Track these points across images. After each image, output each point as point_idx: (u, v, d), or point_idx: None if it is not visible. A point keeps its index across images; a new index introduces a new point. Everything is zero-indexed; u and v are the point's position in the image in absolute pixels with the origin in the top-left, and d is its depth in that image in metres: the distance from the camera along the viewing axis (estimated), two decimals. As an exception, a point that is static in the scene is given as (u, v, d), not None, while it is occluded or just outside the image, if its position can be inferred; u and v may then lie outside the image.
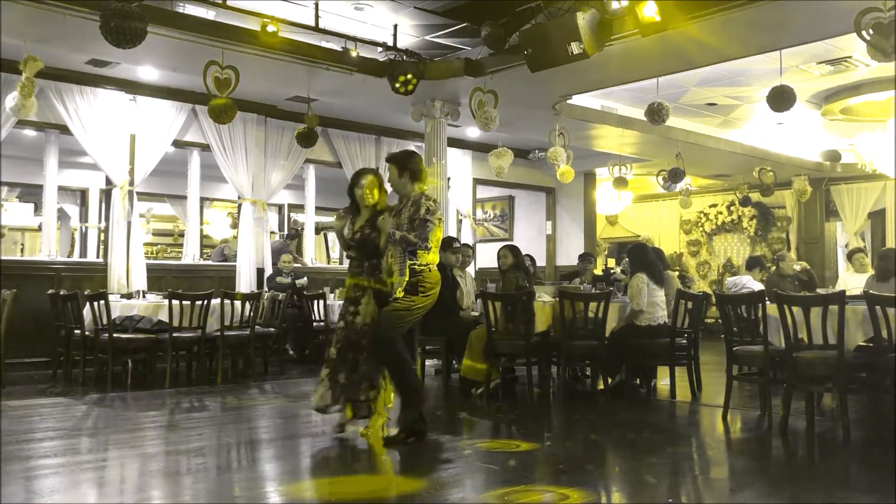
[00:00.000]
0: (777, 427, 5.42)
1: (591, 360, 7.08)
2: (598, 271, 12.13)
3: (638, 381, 7.41)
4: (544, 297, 7.11)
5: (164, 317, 7.44)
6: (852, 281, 8.11)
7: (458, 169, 12.19)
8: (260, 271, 10.25)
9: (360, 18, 7.48)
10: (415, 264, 4.80)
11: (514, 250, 7.40)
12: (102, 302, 7.22)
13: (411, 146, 11.79)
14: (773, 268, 9.50)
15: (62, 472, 4.23)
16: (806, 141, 12.44)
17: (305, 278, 10.03)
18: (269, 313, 8.46)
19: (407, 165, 4.99)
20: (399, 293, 4.80)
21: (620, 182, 12.28)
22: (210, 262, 10.86)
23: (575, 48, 6.49)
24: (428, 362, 8.11)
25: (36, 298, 8.21)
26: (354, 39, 7.68)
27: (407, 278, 4.77)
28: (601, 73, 8.02)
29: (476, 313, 7.41)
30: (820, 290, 7.49)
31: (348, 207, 5.20)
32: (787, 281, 8.47)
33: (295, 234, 11.85)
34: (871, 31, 5.62)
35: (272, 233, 13.53)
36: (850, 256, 9.17)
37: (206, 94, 7.54)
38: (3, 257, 9.19)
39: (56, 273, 8.90)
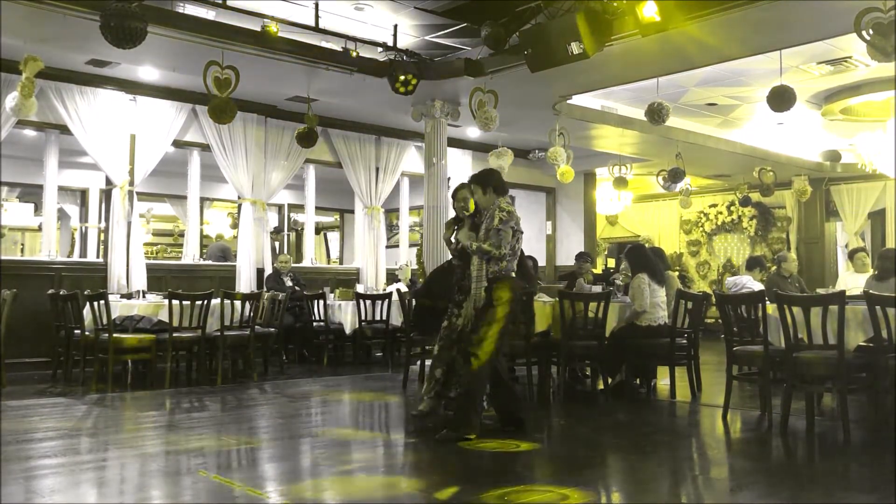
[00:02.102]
0: (777, 427, 5.42)
1: (591, 360, 7.08)
2: (598, 271, 12.12)
3: (638, 381, 7.41)
4: (544, 297, 7.11)
5: (164, 317, 7.44)
6: (852, 281, 8.12)
7: (458, 169, 12.16)
8: (260, 271, 10.26)
9: (360, 18, 7.48)
10: (492, 272, 5.15)
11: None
12: (102, 302, 7.22)
13: (411, 146, 11.82)
14: (774, 268, 9.49)
15: (62, 472, 4.23)
16: (806, 141, 12.43)
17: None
18: (268, 313, 8.46)
19: (490, 182, 5.39)
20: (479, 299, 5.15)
21: (620, 182, 12.28)
22: (210, 262, 10.86)
23: (575, 48, 6.49)
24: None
25: (36, 298, 8.22)
26: (354, 39, 7.68)
27: (485, 284, 5.13)
28: (601, 73, 8.02)
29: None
30: (820, 290, 7.47)
31: (454, 219, 5.73)
32: (788, 281, 8.46)
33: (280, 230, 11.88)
34: (871, 31, 5.62)
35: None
36: (851, 256, 9.16)
37: (206, 94, 7.55)
38: (3, 257, 9.19)
39: (56, 273, 8.90)
